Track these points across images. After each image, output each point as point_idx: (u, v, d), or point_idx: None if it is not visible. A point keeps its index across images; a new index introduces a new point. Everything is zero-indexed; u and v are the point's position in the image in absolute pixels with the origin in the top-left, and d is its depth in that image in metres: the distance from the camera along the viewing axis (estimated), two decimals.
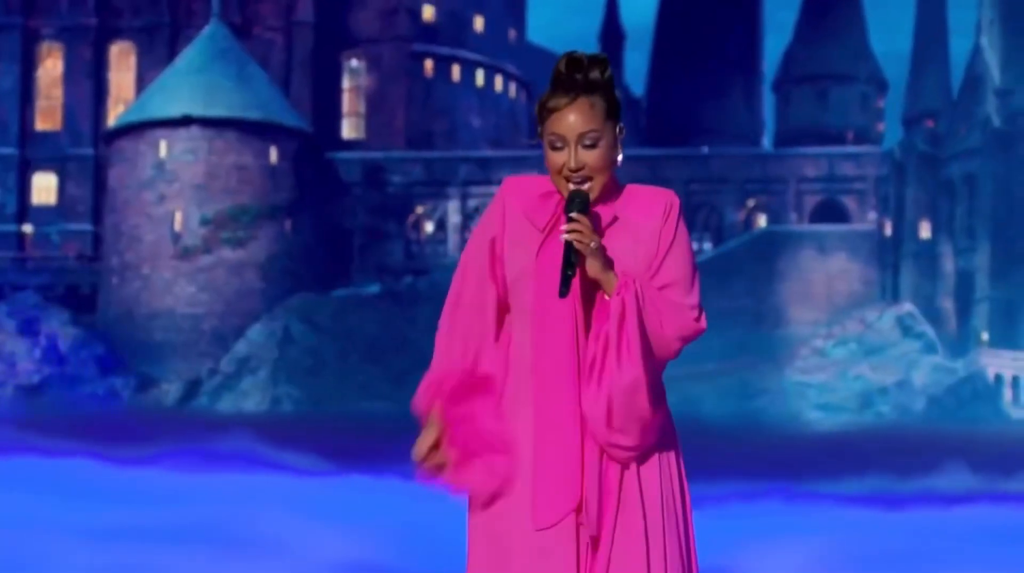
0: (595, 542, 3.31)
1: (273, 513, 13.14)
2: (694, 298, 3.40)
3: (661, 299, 3.35)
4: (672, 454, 3.43)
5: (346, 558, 10.05)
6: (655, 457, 3.39)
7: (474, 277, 3.48)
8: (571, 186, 3.37)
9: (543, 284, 3.36)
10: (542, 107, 3.41)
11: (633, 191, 3.46)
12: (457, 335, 3.49)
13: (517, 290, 3.42)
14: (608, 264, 3.35)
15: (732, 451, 29.36)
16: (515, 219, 3.44)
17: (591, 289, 3.37)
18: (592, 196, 3.38)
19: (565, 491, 3.31)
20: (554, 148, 3.39)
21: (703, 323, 3.40)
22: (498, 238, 3.45)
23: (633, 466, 3.36)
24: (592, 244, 3.30)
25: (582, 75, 3.37)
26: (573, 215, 3.32)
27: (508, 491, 3.37)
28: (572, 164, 3.37)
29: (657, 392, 3.35)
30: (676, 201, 3.45)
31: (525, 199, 3.44)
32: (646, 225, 3.41)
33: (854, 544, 12.27)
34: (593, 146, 3.37)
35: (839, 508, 15.19)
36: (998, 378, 63.26)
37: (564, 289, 3.29)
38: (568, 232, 3.30)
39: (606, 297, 3.35)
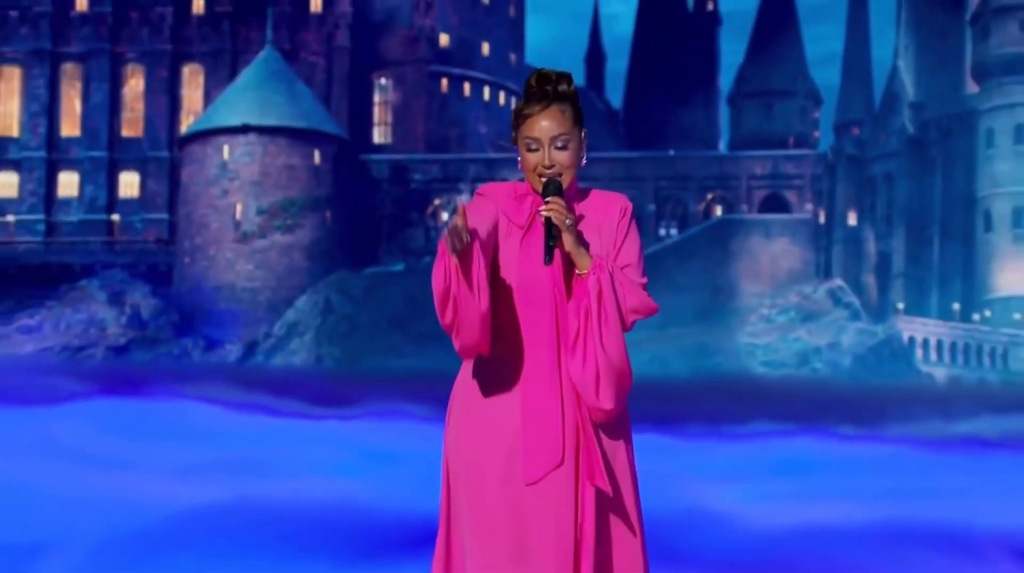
0: (591, 489, 3.17)
1: (316, 449, 13.13)
2: (645, 279, 3.28)
3: (624, 277, 3.24)
4: (626, 414, 3.32)
5: (364, 491, 10.01)
6: (622, 417, 3.29)
7: (482, 224, 3.22)
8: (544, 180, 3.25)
9: (528, 266, 3.23)
10: (518, 114, 3.28)
11: (595, 195, 3.34)
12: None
13: (500, 274, 3.24)
14: (581, 241, 3.23)
15: (693, 400, 29.39)
16: (499, 217, 3.29)
17: (569, 269, 3.24)
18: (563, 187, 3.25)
19: (550, 449, 3.16)
20: (529, 150, 3.25)
21: (653, 302, 3.28)
22: (499, 219, 3.27)
23: (608, 425, 3.24)
24: (567, 221, 3.18)
25: (552, 87, 3.24)
26: (550, 199, 3.21)
27: (489, 446, 3.20)
28: (546, 162, 3.24)
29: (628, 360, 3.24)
30: (629, 205, 3.34)
31: (503, 202, 3.30)
32: (606, 223, 3.29)
33: (793, 477, 12.30)
34: (564, 147, 3.24)
35: (780, 447, 15.21)
36: (911, 340, 63.31)
37: (548, 257, 3.18)
38: (548, 210, 3.18)
39: (579, 273, 3.22)
